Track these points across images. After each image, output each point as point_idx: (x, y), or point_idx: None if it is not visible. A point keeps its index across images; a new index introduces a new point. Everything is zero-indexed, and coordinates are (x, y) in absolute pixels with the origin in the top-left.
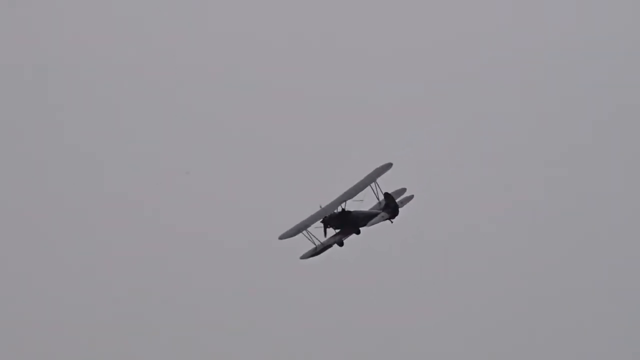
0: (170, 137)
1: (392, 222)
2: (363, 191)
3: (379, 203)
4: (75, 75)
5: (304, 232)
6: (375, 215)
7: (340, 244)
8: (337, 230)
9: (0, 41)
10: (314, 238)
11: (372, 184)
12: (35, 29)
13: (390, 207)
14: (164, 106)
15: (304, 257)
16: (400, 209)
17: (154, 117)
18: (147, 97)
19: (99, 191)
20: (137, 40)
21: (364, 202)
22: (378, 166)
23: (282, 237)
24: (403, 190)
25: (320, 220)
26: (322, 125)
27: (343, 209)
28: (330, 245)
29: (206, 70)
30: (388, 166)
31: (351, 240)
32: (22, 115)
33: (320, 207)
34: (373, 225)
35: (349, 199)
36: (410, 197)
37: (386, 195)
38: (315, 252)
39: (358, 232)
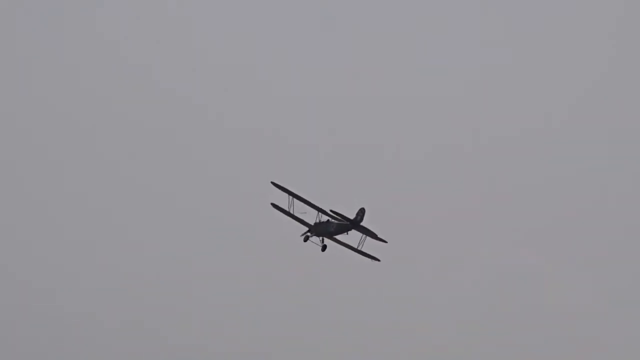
0: None
1: (347, 233)
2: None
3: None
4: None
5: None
6: (342, 226)
7: (305, 238)
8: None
9: None
10: (292, 209)
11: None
12: None
13: (355, 220)
14: None
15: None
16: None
17: None
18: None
19: None
20: None
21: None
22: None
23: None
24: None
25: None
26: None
27: (328, 220)
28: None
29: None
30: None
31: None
32: None
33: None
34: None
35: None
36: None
37: (361, 210)
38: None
39: (324, 249)
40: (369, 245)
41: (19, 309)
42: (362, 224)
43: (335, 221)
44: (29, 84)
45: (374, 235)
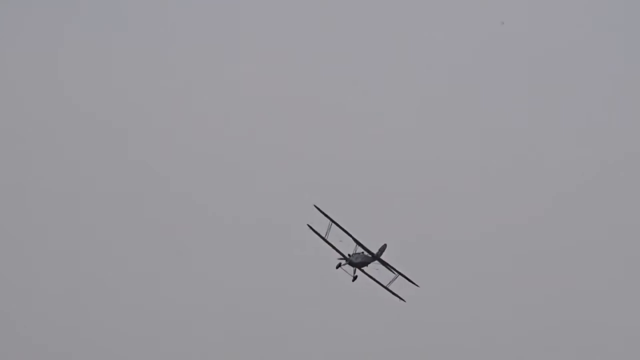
0: None
1: (367, 265)
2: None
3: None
4: None
5: (333, 226)
6: (367, 258)
7: (338, 265)
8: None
9: None
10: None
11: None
12: None
13: (376, 254)
14: None
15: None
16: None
17: None
18: None
19: None
20: None
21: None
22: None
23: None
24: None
25: (347, 255)
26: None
27: (362, 251)
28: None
29: None
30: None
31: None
32: None
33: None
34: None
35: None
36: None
37: (383, 245)
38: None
39: (354, 279)
40: (401, 285)
41: None
42: (382, 258)
43: (365, 254)
44: (28, 84)
45: (395, 271)
